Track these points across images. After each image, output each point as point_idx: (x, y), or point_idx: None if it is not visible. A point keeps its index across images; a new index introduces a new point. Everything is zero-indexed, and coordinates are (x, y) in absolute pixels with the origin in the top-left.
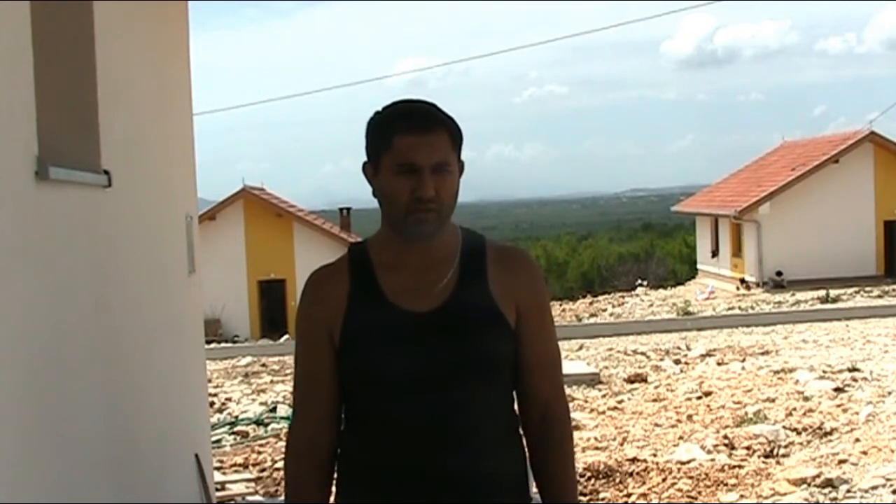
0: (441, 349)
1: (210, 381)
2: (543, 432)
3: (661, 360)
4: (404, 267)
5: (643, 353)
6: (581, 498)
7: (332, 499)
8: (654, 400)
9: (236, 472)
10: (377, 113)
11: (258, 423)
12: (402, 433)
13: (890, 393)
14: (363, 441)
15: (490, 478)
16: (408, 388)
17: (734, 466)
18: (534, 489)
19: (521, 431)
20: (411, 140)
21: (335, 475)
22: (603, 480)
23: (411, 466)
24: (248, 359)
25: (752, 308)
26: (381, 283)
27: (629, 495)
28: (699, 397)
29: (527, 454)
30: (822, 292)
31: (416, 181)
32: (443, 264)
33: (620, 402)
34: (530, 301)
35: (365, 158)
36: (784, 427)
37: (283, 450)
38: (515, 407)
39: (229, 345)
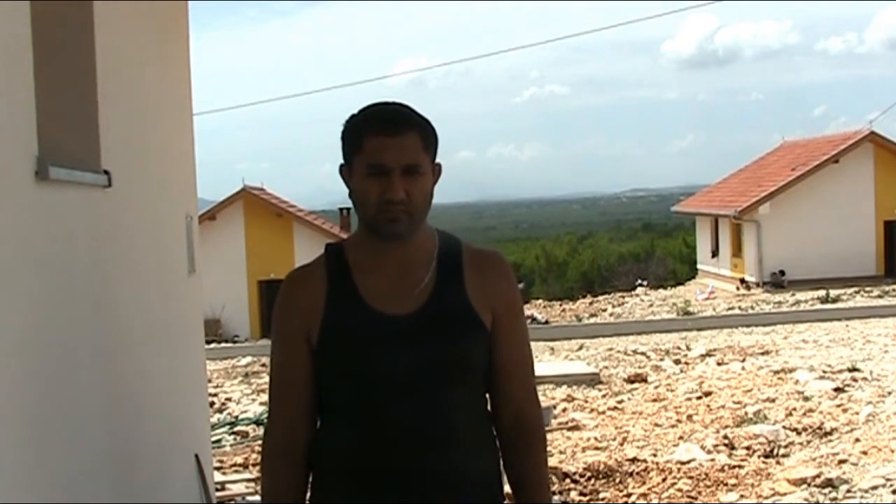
0: (418, 352)
1: (210, 381)
2: (516, 434)
3: (661, 360)
4: (381, 269)
5: (643, 353)
6: (581, 498)
7: (307, 497)
8: (654, 400)
9: (236, 472)
10: (352, 116)
11: (258, 423)
12: (377, 435)
13: (890, 393)
14: (339, 441)
15: (465, 478)
16: (384, 390)
17: (734, 466)
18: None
19: (495, 433)
20: (381, 141)
21: (311, 474)
22: (603, 480)
23: (386, 467)
24: (248, 359)
25: (752, 308)
26: (357, 285)
27: (629, 495)
28: (699, 397)
29: (500, 455)
30: (822, 292)
31: (386, 183)
32: (420, 267)
33: (620, 402)
34: (505, 305)
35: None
36: (784, 427)
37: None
38: (489, 408)
39: (229, 345)
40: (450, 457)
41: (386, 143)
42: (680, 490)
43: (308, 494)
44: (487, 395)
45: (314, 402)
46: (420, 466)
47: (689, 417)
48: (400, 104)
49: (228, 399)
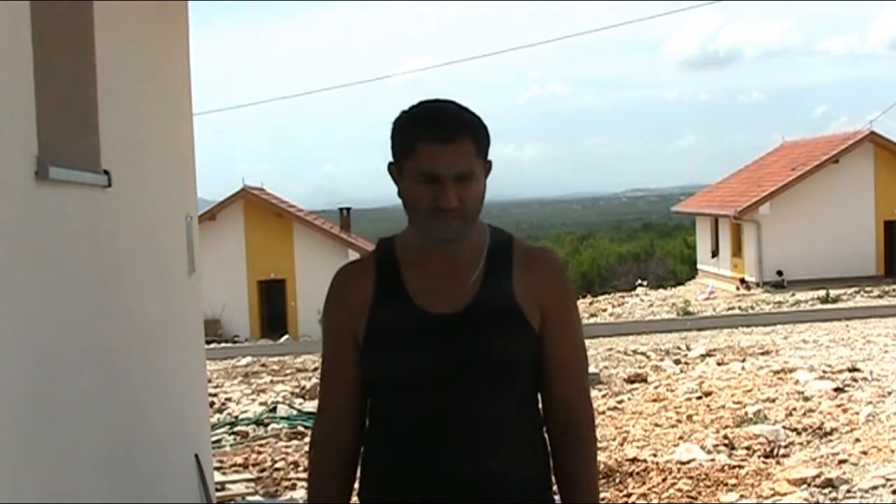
0: (461, 351)
1: (210, 381)
2: (566, 435)
3: (661, 360)
4: (430, 267)
5: (643, 353)
6: None
7: (354, 497)
8: (654, 400)
9: (236, 472)
10: (403, 112)
11: (258, 423)
12: (420, 434)
13: (890, 393)
14: (381, 440)
15: (508, 480)
16: (427, 389)
17: (734, 466)
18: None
19: (545, 433)
20: (434, 149)
21: (359, 472)
22: (603, 480)
23: (429, 468)
24: (248, 359)
25: (752, 308)
26: (405, 282)
27: (629, 495)
28: (699, 397)
29: (550, 456)
30: (822, 292)
31: (439, 190)
32: (468, 266)
33: (620, 402)
34: (555, 304)
35: (391, 158)
36: (784, 427)
37: (284, 450)
38: (539, 407)
39: (229, 345)
40: (494, 457)
41: (439, 150)
42: (680, 490)
43: (356, 493)
44: (538, 395)
45: (360, 397)
46: (463, 467)
47: (689, 417)
48: (451, 103)
49: (228, 399)
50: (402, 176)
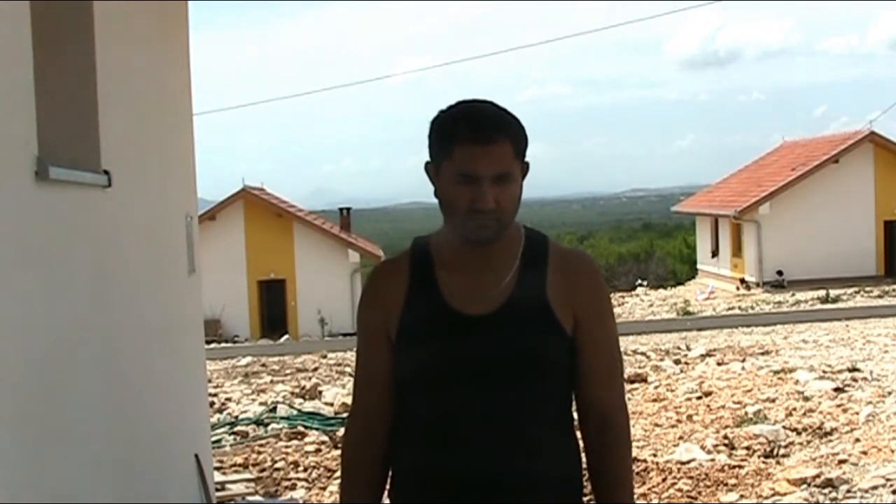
0: (492, 353)
1: (210, 381)
2: (600, 439)
3: (661, 360)
4: (464, 267)
5: (643, 353)
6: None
7: (386, 495)
8: (654, 400)
9: (236, 472)
10: (441, 112)
11: (258, 423)
12: (446, 434)
13: (890, 393)
14: (411, 440)
15: (534, 480)
16: (455, 389)
17: (734, 466)
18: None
19: (578, 435)
20: (472, 150)
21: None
22: None
23: (456, 467)
24: (248, 359)
25: (752, 308)
26: (439, 282)
27: None
28: (699, 397)
29: (582, 458)
30: (822, 292)
31: (476, 191)
32: (502, 267)
33: None
34: (589, 308)
35: (427, 157)
36: (784, 427)
37: (284, 450)
38: (571, 409)
39: (229, 345)
40: (525, 458)
41: (477, 151)
42: (680, 490)
43: (387, 493)
44: (571, 397)
45: (394, 397)
46: (490, 467)
47: (689, 417)
48: (490, 104)
49: (228, 399)
50: (439, 176)
